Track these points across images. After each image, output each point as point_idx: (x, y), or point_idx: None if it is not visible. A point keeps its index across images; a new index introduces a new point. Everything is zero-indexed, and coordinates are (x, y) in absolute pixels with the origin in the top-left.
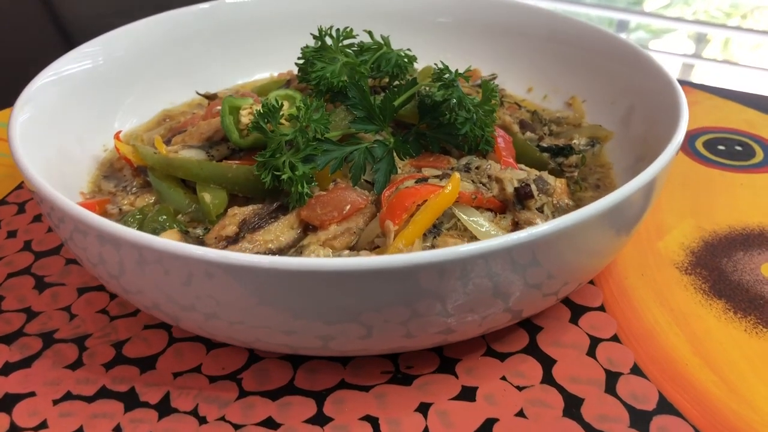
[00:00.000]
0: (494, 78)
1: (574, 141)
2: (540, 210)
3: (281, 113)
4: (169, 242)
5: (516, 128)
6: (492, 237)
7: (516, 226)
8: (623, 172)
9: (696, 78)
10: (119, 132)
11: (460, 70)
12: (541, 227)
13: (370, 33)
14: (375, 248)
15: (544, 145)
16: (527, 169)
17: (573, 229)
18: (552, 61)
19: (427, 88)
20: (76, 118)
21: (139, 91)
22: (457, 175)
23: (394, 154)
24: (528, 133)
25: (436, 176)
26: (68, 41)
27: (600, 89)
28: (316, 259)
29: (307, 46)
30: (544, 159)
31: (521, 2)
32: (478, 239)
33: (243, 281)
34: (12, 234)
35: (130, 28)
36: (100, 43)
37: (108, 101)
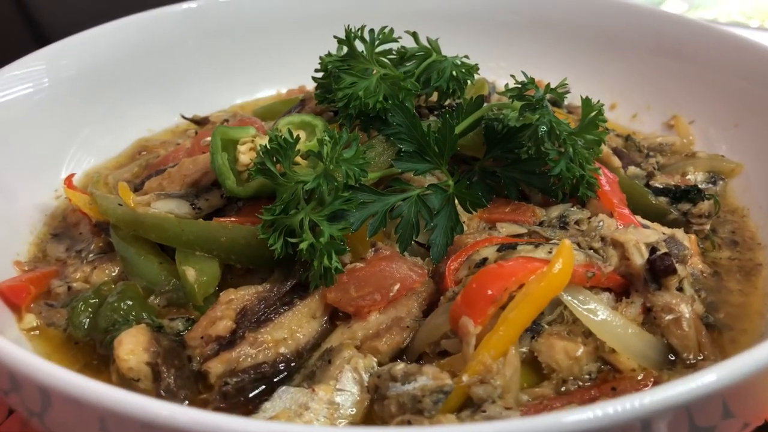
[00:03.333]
0: (566, 92)
1: (689, 177)
2: (679, 289)
3: (296, 149)
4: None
5: (616, 161)
6: (620, 336)
7: (648, 313)
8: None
9: None
10: (72, 175)
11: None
12: (738, 365)
13: (414, 35)
14: (441, 353)
15: (659, 185)
16: (651, 225)
17: None
18: (645, 71)
19: (497, 109)
20: (13, 160)
21: (102, 117)
22: (567, 243)
23: (456, 202)
24: (631, 168)
25: (519, 235)
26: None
27: (714, 107)
28: None
29: (329, 54)
30: (663, 207)
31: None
32: (596, 335)
33: None
34: None
35: (86, 36)
36: (44, 57)
37: (61, 132)
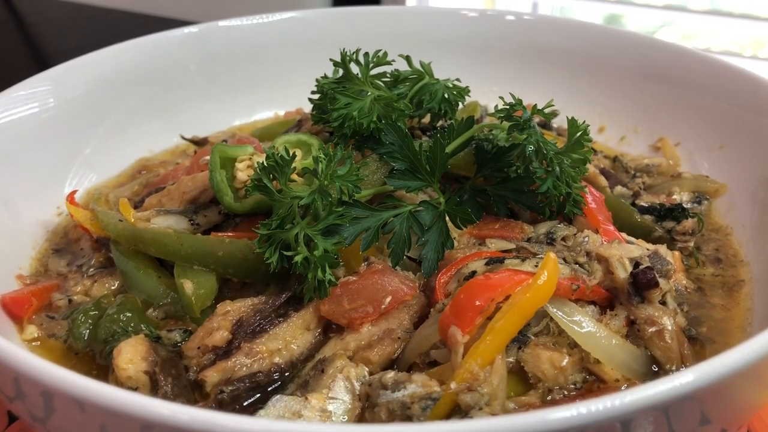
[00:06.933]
0: (553, 112)
1: (674, 197)
2: (662, 302)
3: (292, 166)
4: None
5: (603, 181)
6: (604, 347)
7: (632, 326)
8: (753, 238)
9: None
10: (74, 192)
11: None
12: (715, 366)
13: (407, 58)
14: (430, 363)
15: (644, 204)
16: (635, 241)
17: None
18: (632, 95)
19: (487, 130)
20: (17, 177)
21: (104, 136)
22: (552, 256)
23: (447, 219)
24: (618, 188)
25: (507, 250)
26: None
27: (700, 129)
28: None
29: (325, 77)
30: (648, 224)
31: (600, 25)
32: (581, 347)
33: None
34: None
35: (90, 58)
36: (50, 78)
37: (64, 151)
